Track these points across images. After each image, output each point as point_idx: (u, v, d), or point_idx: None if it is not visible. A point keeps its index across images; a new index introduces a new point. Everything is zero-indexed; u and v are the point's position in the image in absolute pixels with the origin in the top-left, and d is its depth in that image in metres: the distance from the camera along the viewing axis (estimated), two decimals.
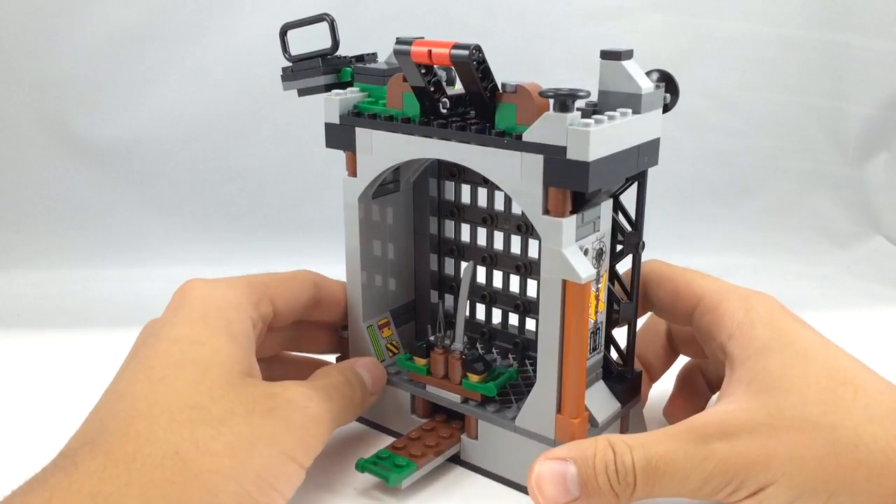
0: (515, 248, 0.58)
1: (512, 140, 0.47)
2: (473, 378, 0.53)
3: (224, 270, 0.90)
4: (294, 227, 0.96)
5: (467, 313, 0.61)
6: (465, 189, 0.60)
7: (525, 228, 0.57)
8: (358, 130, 0.54)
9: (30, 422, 0.60)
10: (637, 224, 0.52)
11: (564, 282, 0.47)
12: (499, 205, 0.58)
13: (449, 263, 0.62)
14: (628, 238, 0.51)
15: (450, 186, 0.61)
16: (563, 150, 0.45)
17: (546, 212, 0.47)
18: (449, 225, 0.61)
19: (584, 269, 0.47)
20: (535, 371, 0.50)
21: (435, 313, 0.61)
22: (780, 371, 0.44)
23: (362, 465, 0.52)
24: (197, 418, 0.40)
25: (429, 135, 0.51)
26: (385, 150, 0.53)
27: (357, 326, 0.58)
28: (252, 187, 0.97)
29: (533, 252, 0.56)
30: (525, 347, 0.60)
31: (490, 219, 0.59)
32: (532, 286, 0.56)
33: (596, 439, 0.44)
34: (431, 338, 0.56)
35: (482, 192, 0.59)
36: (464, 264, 0.61)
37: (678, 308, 0.53)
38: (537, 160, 0.46)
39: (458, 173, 0.60)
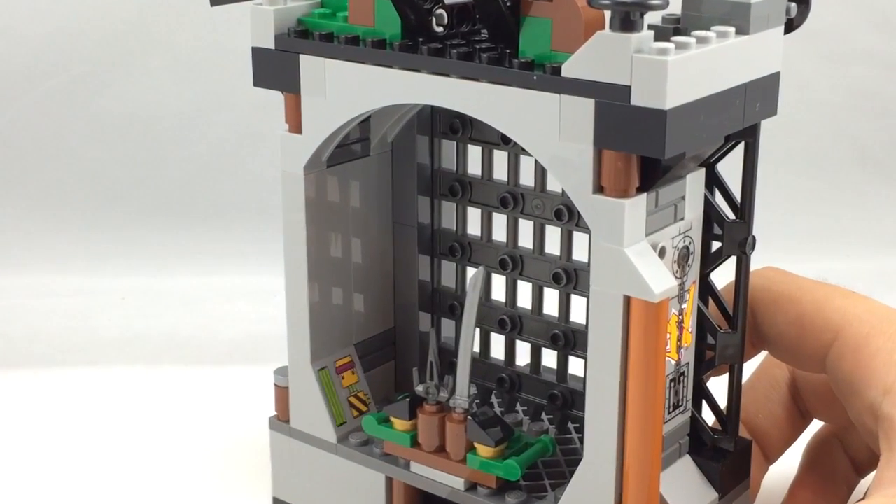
0: (552, 246, 0.59)
1: (545, 75, 0.47)
2: (485, 451, 0.53)
3: (94, 281, 0.91)
4: (201, 212, 0.97)
5: (476, 349, 0.61)
6: (474, 152, 0.60)
7: (568, 215, 0.57)
8: (303, 59, 0.54)
9: None
10: (743, 210, 0.52)
11: (628, 299, 0.47)
12: (526, 178, 0.58)
13: (447, 269, 0.63)
14: (730, 231, 0.52)
15: (449, 149, 0.61)
16: (627, 90, 0.45)
17: (599, 189, 0.47)
18: (447, 209, 0.62)
19: (660, 279, 0.47)
20: (581, 440, 0.50)
21: (425, 349, 0.61)
22: None
23: None
24: None
25: (416, 66, 0.51)
26: (347, 90, 0.53)
27: (301, 370, 0.58)
28: (136, 149, 0.97)
29: (580, 253, 0.56)
30: (567, 403, 0.60)
31: (513, 199, 0.59)
32: (578, 306, 0.56)
33: None
34: (419, 387, 0.56)
35: (500, 158, 0.59)
36: (471, 271, 0.61)
37: (805, 345, 0.53)
38: (585, 107, 0.46)
39: (463, 128, 0.60)
